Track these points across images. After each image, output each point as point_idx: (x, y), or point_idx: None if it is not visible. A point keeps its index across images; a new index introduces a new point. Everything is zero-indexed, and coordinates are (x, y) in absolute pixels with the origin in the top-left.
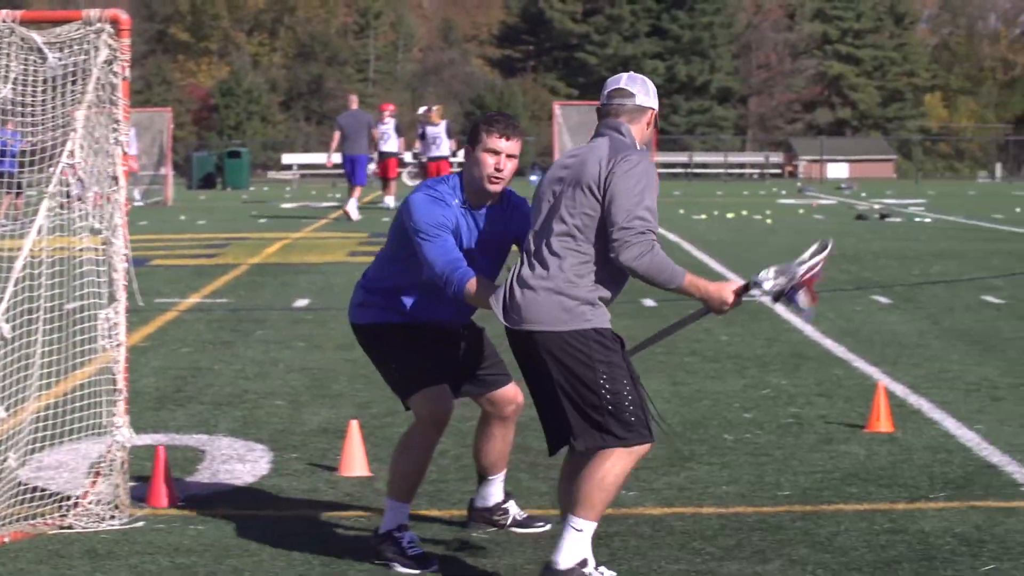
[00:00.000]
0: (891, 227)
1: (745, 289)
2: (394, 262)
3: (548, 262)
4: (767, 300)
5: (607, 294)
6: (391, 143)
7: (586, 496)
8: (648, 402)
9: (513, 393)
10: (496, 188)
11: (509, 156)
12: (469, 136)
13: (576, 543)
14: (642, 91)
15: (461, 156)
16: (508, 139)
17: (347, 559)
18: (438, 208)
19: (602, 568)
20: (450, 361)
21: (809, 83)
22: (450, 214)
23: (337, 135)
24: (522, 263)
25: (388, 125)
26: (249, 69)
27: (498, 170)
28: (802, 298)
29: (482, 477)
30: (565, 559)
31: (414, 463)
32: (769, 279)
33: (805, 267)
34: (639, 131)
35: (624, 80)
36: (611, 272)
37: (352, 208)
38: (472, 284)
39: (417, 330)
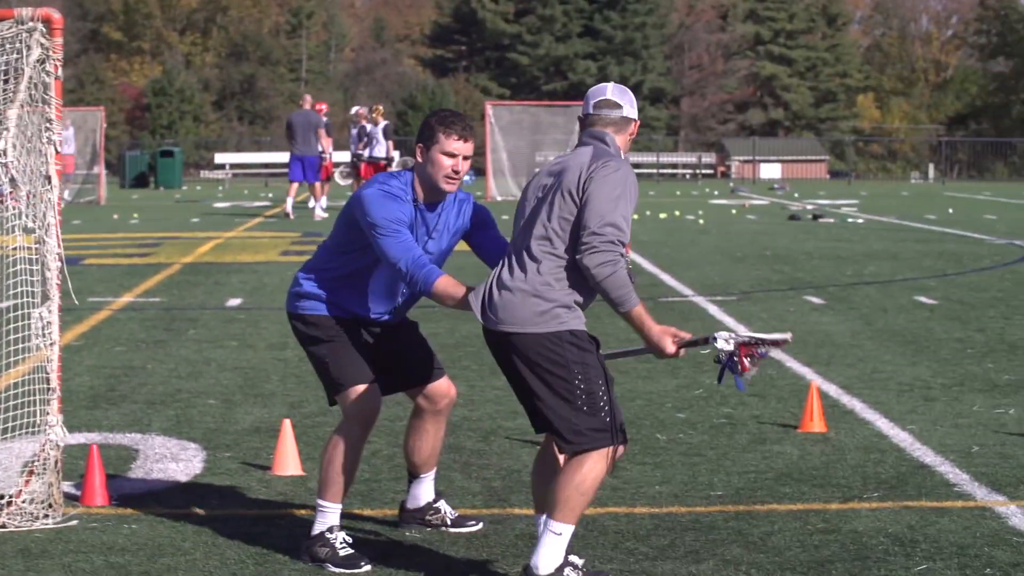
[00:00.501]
0: (824, 228)
1: (693, 344)
2: (341, 254)
3: (526, 265)
4: (717, 353)
5: (582, 298)
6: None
7: (564, 500)
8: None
9: (447, 387)
10: (452, 189)
11: (465, 157)
12: (421, 134)
13: (555, 547)
14: (627, 102)
15: (397, 159)
16: (466, 140)
17: (281, 558)
18: (394, 204)
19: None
20: (384, 356)
21: (742, 84)
22: (406, 210)
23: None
24: (502, 265)
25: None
26: (182, 69)
27: (455, 171)
28: (741, 364)
29: (412, 476)
30: (545, 563)
31: (342, 463)
32: (723, 338)
33: (757, 337)
34: (623, 141)
35: (610, 91)
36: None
37: (318, 208)
38: (441, 282)
39: (353, 324)
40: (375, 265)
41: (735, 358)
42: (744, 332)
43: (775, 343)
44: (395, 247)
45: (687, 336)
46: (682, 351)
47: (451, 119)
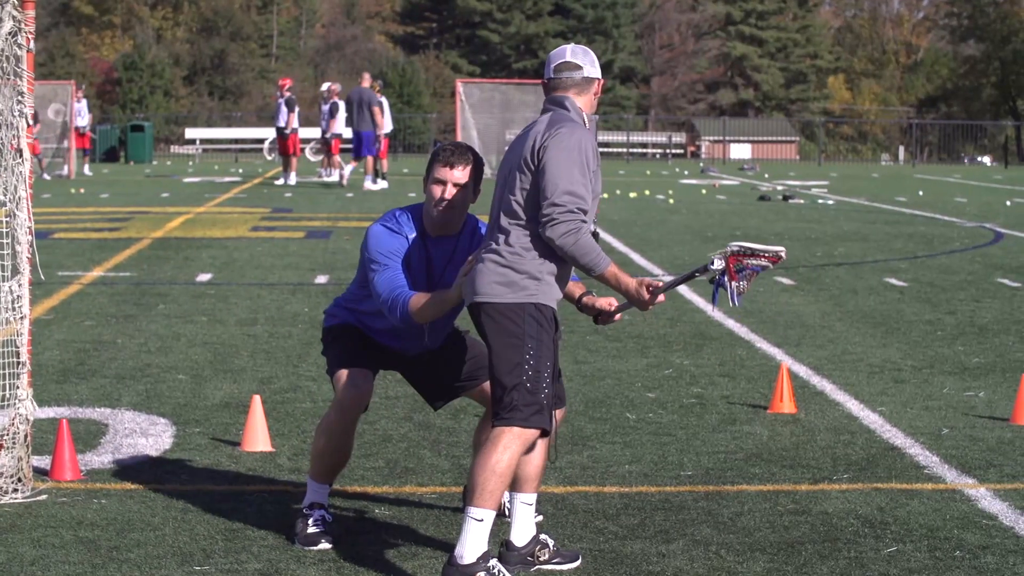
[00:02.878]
0: (794, 208)
1: (687, 279)
2: (365, 291)
3: (497, 238)
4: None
5: (555, 268)
6: (282, 119)
7: (482, 485)
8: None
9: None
10: (446, 215)
11: (455, 184)
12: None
13: (478, 534)
14: (588, 62)
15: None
16: (452, 167)
17: (250, 533)
18: (394, 240)
19: (499, 567)
20: (430, 368)
21: (712, 64)
22: (404, 244)
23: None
24: (482, 242)
25: (282, 101)
26: (152, 43)
27: (442, 199)
28: (729, 273)
29: None
30: (469, 552)
31: (327, 444)
32: (717, 257)
33: (747, 246)
34: (587, 102)
35: (568, 52)
36: None
37: (368, 180)
38: (416, 300)
39: (377, 345)
40: None
41: (726, 273)
42: (742, 245)
43: (767, 255)
44: (381, 280)
45: (660, 283)
46: (661, 296)
47: (443, 148)
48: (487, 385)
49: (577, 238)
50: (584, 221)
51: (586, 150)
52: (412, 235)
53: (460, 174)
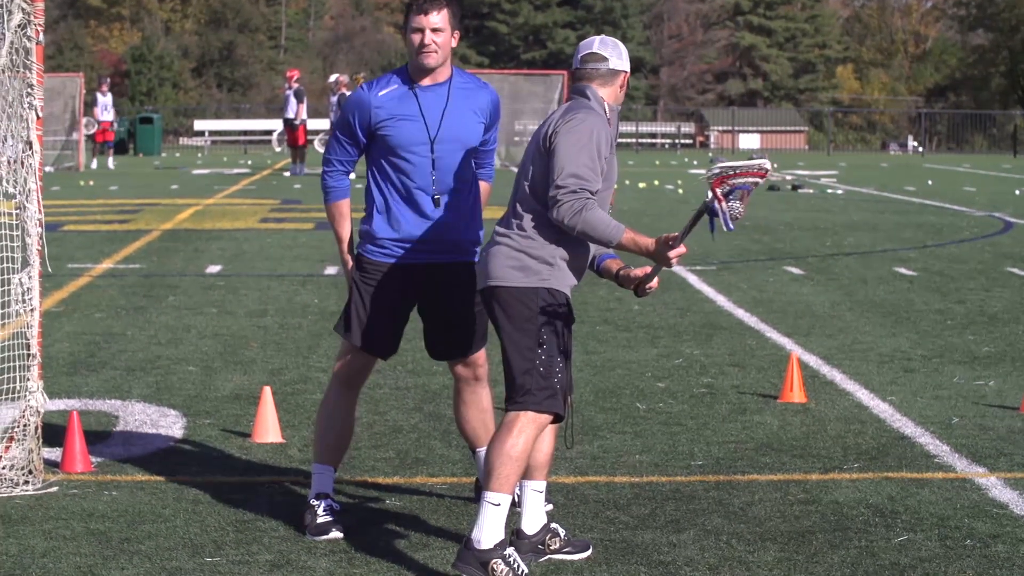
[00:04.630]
0: (803, 198)
1: (693, 225)
2: (373, 179)
3: (511, 221)
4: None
5: (568, 254)
6: (290, 110)
7: (498, 469)
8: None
9: (483, 355)
10: (430, 59)
11: (435, 30)
12: (403, 22)
13: (495, 519)
14: (615, 54)
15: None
16: (426, 13)
17: (261, 524)
18: (352, 102)
19: (515, 556)
20: (431, 321)
21: (721, 54)
22: (362, 109)
23: None
24: (500, 219)
25: (290, 92)
26: (161, 35)
27: (423, 44)
28: (715, 197)
29: (471, 450)
30: (487, 537)
31: (327, 423)
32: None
33: (728, 165)
34: (611, 93)
35: (596, 44)
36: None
37: None
38: (341, 205)
39: (395, 273)
40: (393, 175)
41: (715, 199)
42: (724, 163)
43: (751, 171)
44: (331, 146)
45: (676, 235)
46: (682, 247)
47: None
48: (473, 357)
49: (583, 215)
50: (591, 199)
51: (598, 136)
52: (398, 86)
53: (437, 18)
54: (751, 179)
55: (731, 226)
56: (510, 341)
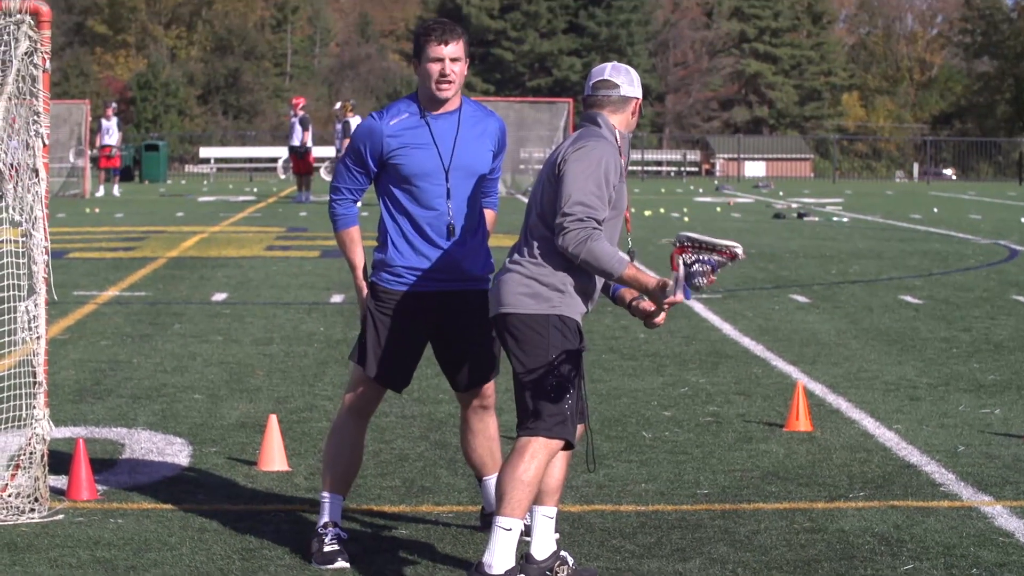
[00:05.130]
0: (809, 226)
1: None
2: (386, 209)
3: (523, 248)
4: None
5: (578, 280)
6: (296, 137)
7: (509, 494)
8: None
9: (491, 385)
10: (446, 92)
11: (453, 60)
12: (413, 51)
13: (506, 544)
14: (626, 81)
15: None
16: (447, 43)
17: (267, 553)
18: (362, 129)
19: None
20: (444, 352)
21: (726, 81)
22: (372, 138)
23: None
24: (511, 250)
25: (295, 120)
26: (166, 62)
27: (442, 75)
28: (672, 262)
29: (478, 479)
30: (498, 562)
31: (336, 451)
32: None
33: (694, 237)
34: (623, 120)
35: (608, 71)
36: None
37: None
38: (351, 232)
39: (410, 302)
40: (407, 205)
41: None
42: (693, 235)
43: (719, 250)
44: (338, 172)
45: (670, 282)
46: (678, 296)
47: (432, 27)
48: (482, 389)
49: (588, 245)
50: (597, 229)
51: (607, 165)
52: (409, 114)
53: (454, 49)
54: (718, 257)
55: (688, 295)
56: (521, 367)
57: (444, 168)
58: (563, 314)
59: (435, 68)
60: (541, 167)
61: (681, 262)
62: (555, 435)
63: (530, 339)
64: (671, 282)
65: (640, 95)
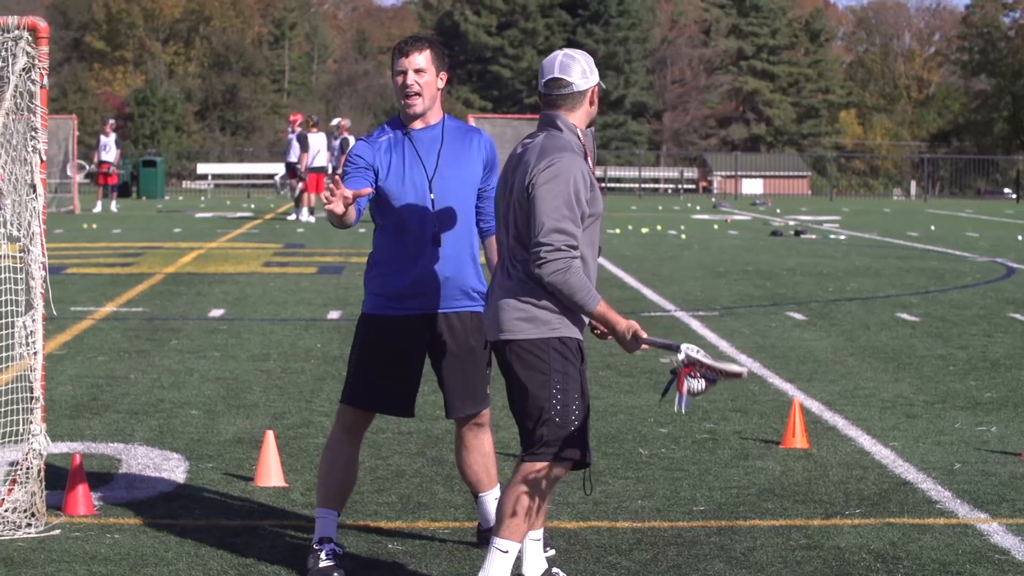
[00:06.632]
0: (806, 244)
1: (660, 345)
2: (377, 230)
3: (509, 270)
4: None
5: None
6: (293, 154)
7: (511, 518)
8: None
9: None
10: (414, 104)
11: (417, 71)
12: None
13: (502, 566)
14: (579, 75)
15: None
16: (408, 55)
17: (263, 569)
18: (366, 146)
19: None
20: (440, 374)
21: (724, 99)
22: (369, 149)
23: None
24: (498, 267)
25: (293, 136)
26: (164, 78)
27: (406, 86)
28: (678, 381)
29: (474, 495)
30: None
31: (331, 468)
32: (686, 351)
33: (706, 363)
34: (582, 115)
35: (557, 67)
36: None
37: None
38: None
39: (401, 330)
40: (396, 232)
41: (675, 379)
42: (700, 355)
43: (726, 374)
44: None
45: (650, 338)
46: (644, 345)
47: (400, 42)
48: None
49: (566, 276)
50: (575, 257)
51: (575, 182)
52: (391, 134)
53: (419, 58)
54: (724, 378)
55: (685, 407)
56: (524, 392)
57: (428, 179)
58: (563, 335)
59: (399, 80)
60: (507, 166)
61: (686, 384)
62: (560, 459)
63: (532, 364)
64: (638, 328)
65: (595, 81)
